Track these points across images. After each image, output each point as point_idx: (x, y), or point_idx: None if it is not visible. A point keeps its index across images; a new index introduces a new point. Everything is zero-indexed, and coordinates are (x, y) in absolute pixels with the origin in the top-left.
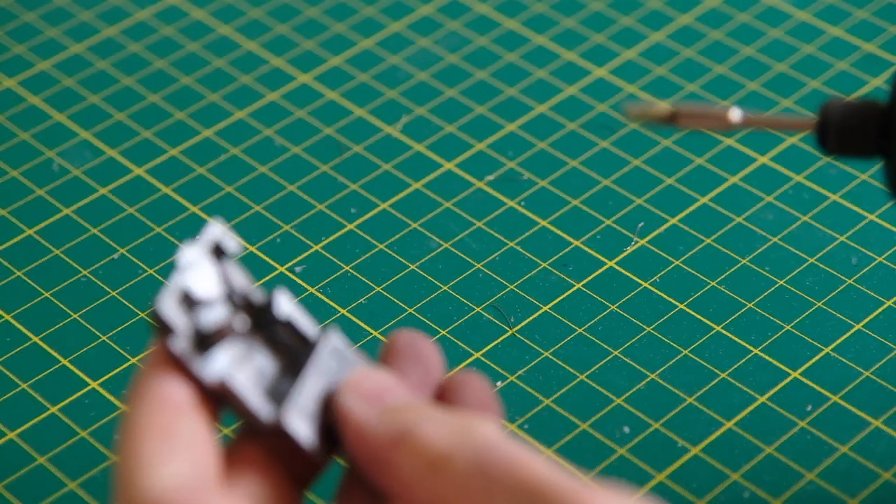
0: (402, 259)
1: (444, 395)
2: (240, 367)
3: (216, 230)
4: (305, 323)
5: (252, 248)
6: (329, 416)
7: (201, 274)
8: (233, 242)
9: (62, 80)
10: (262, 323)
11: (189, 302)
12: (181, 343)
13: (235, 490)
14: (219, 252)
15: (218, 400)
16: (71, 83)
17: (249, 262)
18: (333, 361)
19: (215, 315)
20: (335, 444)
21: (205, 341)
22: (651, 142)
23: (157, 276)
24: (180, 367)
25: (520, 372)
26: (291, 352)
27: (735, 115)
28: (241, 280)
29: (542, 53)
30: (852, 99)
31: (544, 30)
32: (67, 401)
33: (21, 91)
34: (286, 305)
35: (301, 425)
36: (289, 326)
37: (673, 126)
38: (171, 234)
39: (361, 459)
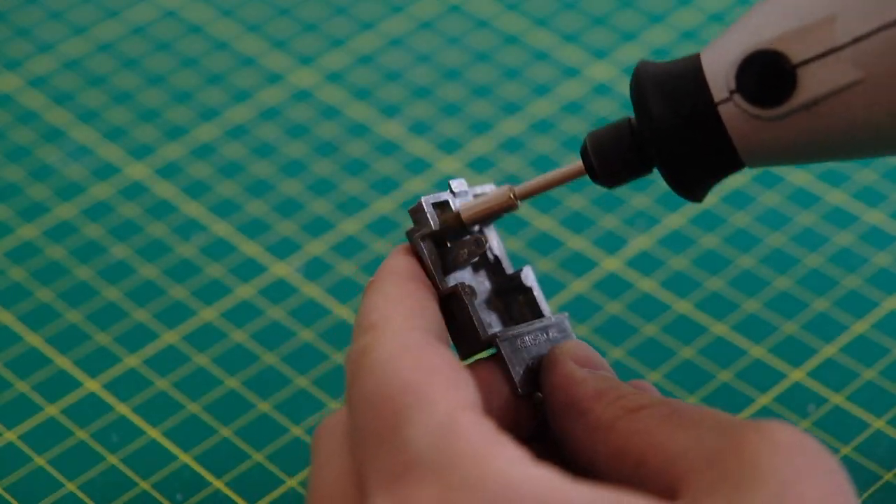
0: None
1: None
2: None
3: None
4: (542, 299)
5: (251, 248)
6: (538, 366)
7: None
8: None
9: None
10: (502, 290)
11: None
12: (428, 244)
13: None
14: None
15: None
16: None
17: (249, 262)
18: (556, 333)
19: (465, 240)
20: (534, 389)
21: (446, 257)
22: None
23: (157, 276)
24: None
25: None
26: (529, 314)
27: (514, 192)
28: (496, 242)
29: (541, 54)
30: (603, 128)
31: (545, 29)
32: (67, 402)
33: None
34: (532, 277)
35: (510, 351)
36: (528, 295)
37: (464, 227)
38: (172, 235)
39: (560, 405)
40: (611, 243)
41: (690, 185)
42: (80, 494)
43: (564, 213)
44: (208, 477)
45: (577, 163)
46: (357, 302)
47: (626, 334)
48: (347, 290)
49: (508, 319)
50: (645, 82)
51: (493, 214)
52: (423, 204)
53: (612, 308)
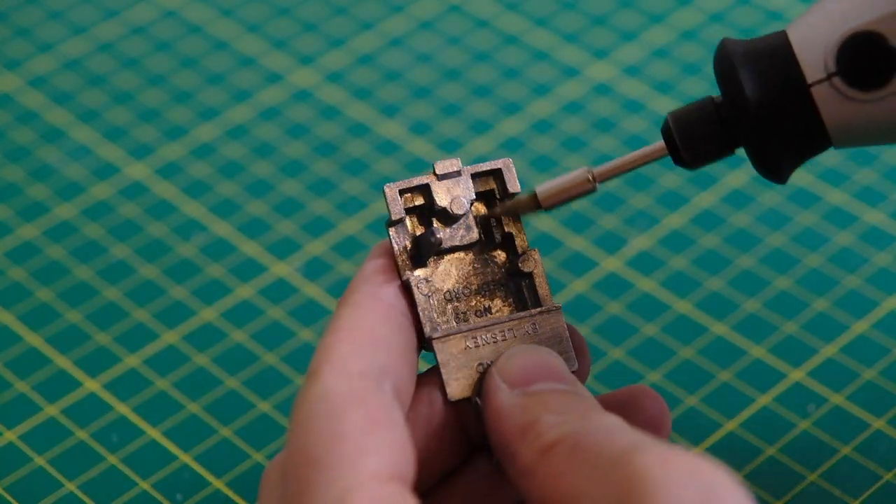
0: None
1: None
2: (441, 280)
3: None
4: (544, 287)
5: (251, 248)
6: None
7: (460, 190)
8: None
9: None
10: (511, 270)
11: (432, 212)
12: (399, 235)
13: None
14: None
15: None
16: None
17: (249, 262)
18: (543, 333)
19: (442, 232)
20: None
21: (424, 248)
22: (646, 143)
23: (157, 276)
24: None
25: None
26: (518, 306)
27: (592, 174)
28: (515, 223)
29: (541, 54)
30: (687, 106)
31: (545, 30)
32: (67, 402)
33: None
34: (536, 261)
35: (444, 356)
36: (529, 281)
37: (541, 210)
38: (172, 235)
39: (495, 444)
40: (611, 243)
41: (777, 165)
42: (80, 494)
43: (564, 213)
44: (208, 477)
45: (658, 143)
46: None
47: (626, 334)
48: None
49: (510, 306)
50: (734, 60)
51: (570, 197)
52: (386, 191)
53: (612, 308)
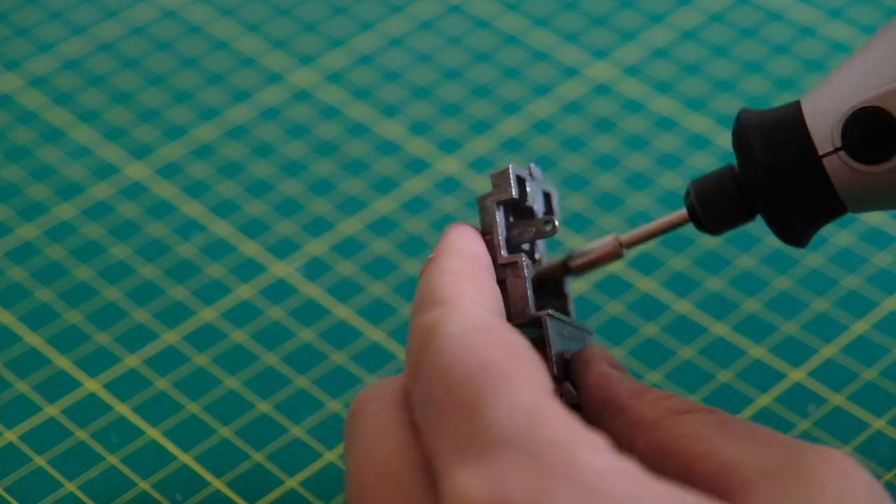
0: (401, 261)
1: None
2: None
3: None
4: (572, 309)
5: (251, 248)
6: (570, 360)
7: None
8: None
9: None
10: (536, 287)
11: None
12: (504, 214)
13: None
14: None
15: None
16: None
17: (249, 262)
18: (586, 339)
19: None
20: (565, 379)
21: (527, 235)
22: (646, 143)
23: (157, 276)
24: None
25: None
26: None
27: (620, 241)
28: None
29: (541, 54)
30: (707, 176)
31: (544, 30)
32: (67, 402)
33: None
34: (570, 286)
35: (554, 333)
36: (562, 302)
37: (571, 275)
38: (172, 235)
39: (595, 401)
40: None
41: (793, 232)
42: (80, 494)
43: (565, 214)
44: (208, 477)
45: (681, 211)
46: (357, 301)
47: (626, 334)
48: (347, 290)
49: (560, 310)
50: (749, 132)
51: (599, 264)
52: (510, 170)
53: (612, 308)
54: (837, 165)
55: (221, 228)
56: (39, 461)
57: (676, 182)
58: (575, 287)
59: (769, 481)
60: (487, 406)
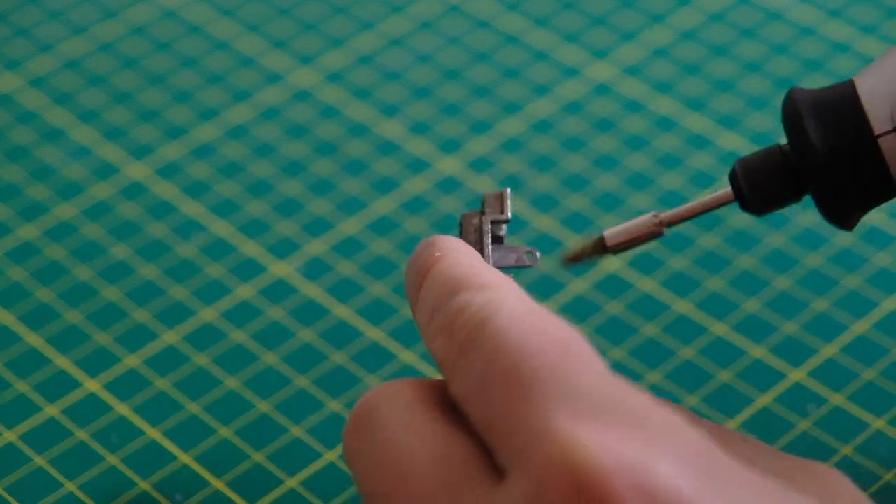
0: (401, 261)
1: None
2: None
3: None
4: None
5: (251, 248)
6: None
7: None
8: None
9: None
10: None
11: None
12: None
13: None
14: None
15: None
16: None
17: (249, 262)
18: None
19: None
20: None
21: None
22: (646, 143)
23: (157, 276)
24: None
25: None
26: None
27: (660, 219)
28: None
29: (541, 54)
30: (754, 154)
31: (545, 29)
32: (67, 402)
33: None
34: None
35: None
36: None
37: (607, 254)
38: (171, 235)
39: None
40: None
41: (845, 214)
42: (80, 494)
43: (565, 214)
44: (208, 477)
45: (726, 189)
46: (357, 301)
47: (626, 334)
48: (347, 290)
49: None
50: (802, 110)
51: (638, 242)
52: (508, 194)
53: (612, 308)
54: (894, 145)
55: (221, 228)
56: (39, 461)
57: (677, 182)
58: (574, 287)
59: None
60: (575, 374)
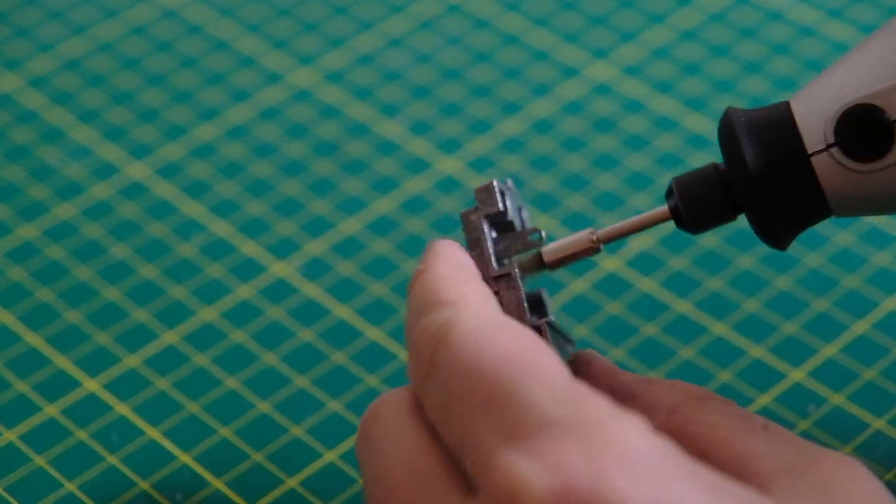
0: (400, 261)
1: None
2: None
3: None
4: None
5: (251, 248)
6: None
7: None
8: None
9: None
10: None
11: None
12: (483, 223)
13: None
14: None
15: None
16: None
17: (249, 262)
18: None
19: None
20: None
21: (515, 246)
22: (646, 143)
23: (157, 276)
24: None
25: None
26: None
27: (596, 237)
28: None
29: (541, 54)
30: (691, 172)
31: (546, 29)
32: (67, 402)
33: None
34: (549, 300)
35: (552, 341)
36: (544, 312)
37: (545, 270)
38: (172, 235)
39: (605, 390)
40: (611, 243)
41: (777, 233)
42: (80, 494)
43: (565, 213)
44: (208, 477)
45: (662, 208)
46: (357, 301)
47: (626, 334)
48: (347, 290)
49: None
50: (737, 129)
51: (575, 258)
52: (495, 184)
53: (612, 308)
54: (827, 164)
55: (221, 228)
56: (39, 461)
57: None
58: (575, 287)
59: (790, 478)
60: (524, 391)
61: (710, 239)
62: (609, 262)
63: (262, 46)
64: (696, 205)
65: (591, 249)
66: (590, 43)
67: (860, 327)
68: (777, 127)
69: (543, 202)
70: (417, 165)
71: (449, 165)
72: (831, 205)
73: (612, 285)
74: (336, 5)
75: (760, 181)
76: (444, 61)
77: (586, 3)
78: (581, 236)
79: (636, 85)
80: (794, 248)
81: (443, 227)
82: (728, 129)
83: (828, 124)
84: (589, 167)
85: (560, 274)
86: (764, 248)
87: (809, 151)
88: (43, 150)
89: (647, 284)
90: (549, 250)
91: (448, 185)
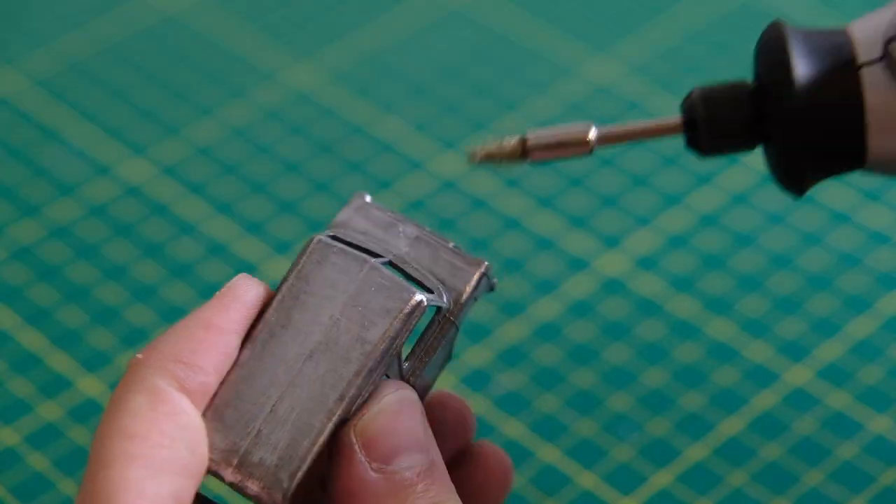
0: None
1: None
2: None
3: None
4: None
5: (251, 248)
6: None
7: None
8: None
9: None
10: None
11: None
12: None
13: None
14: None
15: None
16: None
17: (249, 262)
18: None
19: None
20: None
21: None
22: (646, 143)
23: (157, 277)
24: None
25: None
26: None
27: (592, 133)
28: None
29: (541, 54)
30: (717, 85)
31: (547, 29)
32: (67, 402)
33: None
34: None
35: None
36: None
37: (525, 161)
38: (172, 235)
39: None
40: (611, 243)
41: (802, 170)
42: None
43: (565, 213)
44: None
45: (674, 117)
46: None
47: (625, 335)
48: None
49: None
50: (787, 37)
51: (563, 152)
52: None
53: (612, 308)
54: (876, 77)
55: (221, 228)
56: (39, 461)
57: (679, 183)
58: (574, 288)
59: None
60: None
61: (710, 239)
62: (609, 262)
63: (261, 46)
64: (718, 121)
65: (583, 147)
66: (590, 41)
67: (860, 327)
68: (829, 38)
69: (542, 200)
70: (417, 165)
71: (449, 165)
72: (871, 129)
73: (613, 285)
74: (336, 4)
75: (803, 94)
76: (444, 61)
77: (586, 3)
78: (576, 128)
79: (637, 85)
80: (795, 248)
81: (443, 227)
82: (774, 38)
83: (889, 33)
84: (589, 167)
85: (560, 274)
86: (764, 249)
87: (860, 62)
88: (42, 150)
89: (647, 284)
90: (536, 136)
91: (448, 185)
